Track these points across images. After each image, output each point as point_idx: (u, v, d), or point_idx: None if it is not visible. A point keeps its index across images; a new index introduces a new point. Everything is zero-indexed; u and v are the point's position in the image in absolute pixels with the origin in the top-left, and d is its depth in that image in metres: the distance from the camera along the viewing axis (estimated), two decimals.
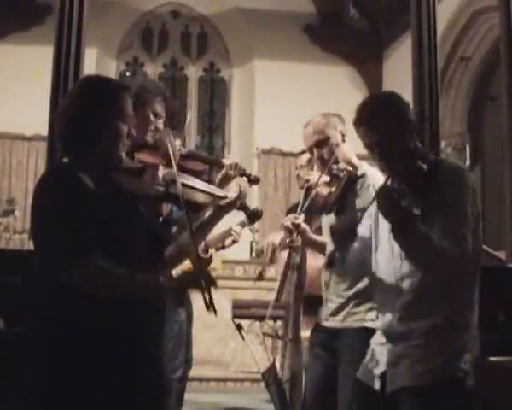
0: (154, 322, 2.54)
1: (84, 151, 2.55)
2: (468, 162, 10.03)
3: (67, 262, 2.33)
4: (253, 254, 10.21)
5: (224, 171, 3.64)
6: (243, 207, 3.08)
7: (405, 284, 2.81)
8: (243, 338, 5.15)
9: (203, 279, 2.41)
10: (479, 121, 10.39)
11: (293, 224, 3.53)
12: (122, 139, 2.60)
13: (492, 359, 3.81)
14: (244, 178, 3.65)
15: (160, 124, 3.64)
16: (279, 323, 5.26)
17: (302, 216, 3.59)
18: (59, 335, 2.38)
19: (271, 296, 3.88)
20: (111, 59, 12.20)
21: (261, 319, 5.76)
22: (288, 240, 3.54)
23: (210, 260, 3.94)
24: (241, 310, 7.05)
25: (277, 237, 4.17)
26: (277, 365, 4.48)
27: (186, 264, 2.47)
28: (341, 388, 3.47)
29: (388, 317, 2.86)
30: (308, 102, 9.35)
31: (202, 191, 2.92)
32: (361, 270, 3.19)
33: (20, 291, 3.47)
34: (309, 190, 3.67)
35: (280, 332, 4.87)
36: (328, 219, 3.66)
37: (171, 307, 3.59)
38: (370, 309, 3.43)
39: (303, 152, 4.75)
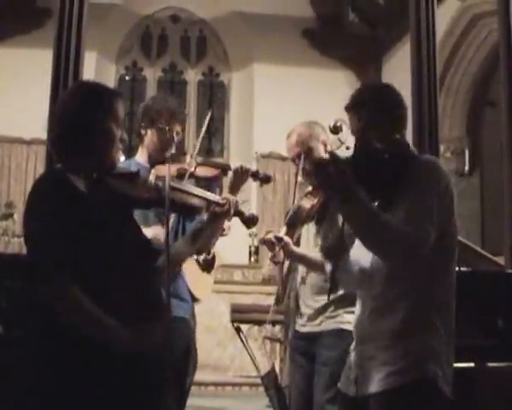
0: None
1: (77, 154, 2.54)
2: (467, 167, 10.04)
3: (47, 276, 2.33)
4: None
5: (232, 175, 3.62)
6: (239, 213, 3.10)
7: (375, 281, 2.74)
8: (242, 341, 5.15)
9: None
10: (478, 126, 10.39)
11: (275, 237, 3.54)
12: (115, 143, 2.60)
13: (492, 364, 3.79)
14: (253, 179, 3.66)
15: (179, 139, 3.72)
16: (278, 327, 5.26)
17: (284, 229, 3.61)
18: (54, 341, 2.38)
19: (270, 301, 3.88)
20: (110, 63, 12.24)
21: (260, 323, 5.78)
22: (270, 254, 3.58)
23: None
24: (240, 314, 6.99)
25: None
26: (277, 369, 4.47)
27: None
28: (315, 386, 3.52)
29: (360, 316, 2.81)
30: (307, 106, 9.29)
31: (197, 196, 2.94)
32: None
33: (18, 295, 3.48)
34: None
35: (279, 336, 4.87)
36: (308, 229, 3.70)
37: (181, 318, 3.61)
38: (348, 312, 3.42)
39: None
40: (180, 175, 3.39)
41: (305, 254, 3.63)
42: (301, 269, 3.77)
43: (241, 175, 3.59)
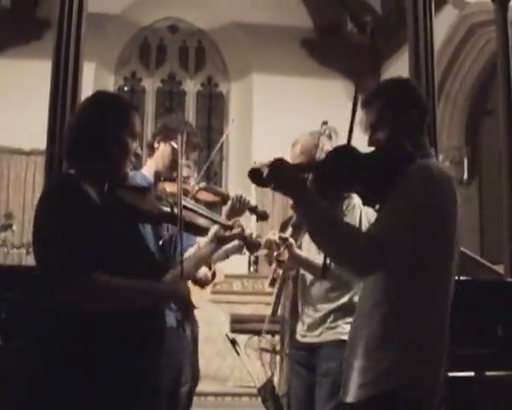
0: (154, 338, 2.52)
1: (91, 162, 2.55)
2: (465, 176, 10.03)
3: (67, 278, 2.31)
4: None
5: (229, 203, 3.64)
6: (243, 238, 3.10)
7: (366, 284, 2.66)
8: (238, 353, 5.14)
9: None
10: (476, 135, 10.40)
11: (280, 238, 3.56)
12: (129, 155, 2.60)
13: (491, 373, 3.75)
14: (250, 212, 3.67)
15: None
16: (277, 337, 5.26)
17: (290, 230, 3.63)
18: (56, 352, 2.38)
19: (269, 311, 3.87)
20: (109, 73, 12.25)
21: (259, 333, 5.72)
22: (275, 253, 3.58)
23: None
24: (240, 325, 7.02)
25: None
26: (275, 380, 4.45)
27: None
28: (317, 398, 3.53)
29: (352, 321, 2.77)
30: (306, 115, 8.81)
31: (205, 216, 2.95)
32: (347, 285, 3.17)
33: (18, 306, 3.47)
34: None
35: (277, 347, 4.85)
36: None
37: (176, 324, 3.65)
38: (348, 323, 3.41)
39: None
40: (184, 195, 3.39)
41: (307, 258, 3.62)
42: (301, 277, 3.77)
43: (239, 206, 3.60)
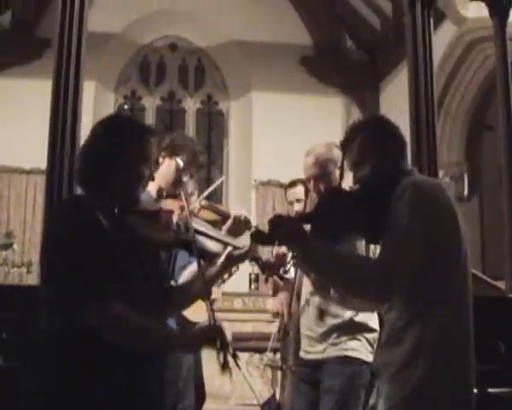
0: (156, 365, 2.49)
1: (102, 189, 2.50)
2: (466, 192, 10.01)
3: (85, 304, 2.28)
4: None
5: (229, 222, 3.57)
6: (255, 259, 3.05)
7: (393, 305, 2.65)
8: (239, 367, 5.19)
9: (219, 336, 2.39)
10: (476, 150, 10.38)
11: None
12: (142, 182, 2.57)
13: (493, 390, 3.73)
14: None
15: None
16: (279, 354, 5.25)
17: None
18: (56, 374, 2.37)
19: (271, 328, 3.84)
20: (109, 92, 12.21)
21: (261, 351, 5.78)
22: (290, 257, 3.39)
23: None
24: (241, 343, 6.98)
25: (286, 295, 4.16)
26: (277, 396, 4.43)
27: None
28: None
29: (378, 343, 2.80)
30: (306, 133, 9.13)
31: (215, 239, 2.89)
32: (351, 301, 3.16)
33: (18, 327, 3.43)
34: None
35: (280, 363, 4.80)
36: None
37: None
38: (352, 339, 3.40)
39: (295, 182, 4.84)
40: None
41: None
42: (304, 291, 3.71)
43: (240, 225, 3.54)
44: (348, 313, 3.50)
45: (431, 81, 5.06)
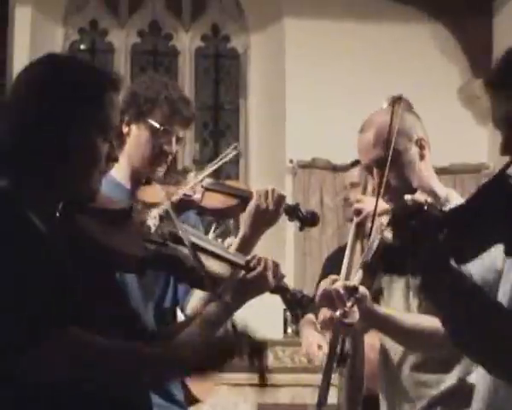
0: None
1: (35, 175, 1.98)
2: None
3: (38, 333, 1.86)
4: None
5: (252, 206, 2.91)
6: (280, 289, 2.40)
7: None
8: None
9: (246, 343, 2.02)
10: None
11: (346, 287, 2.85)
12: (98, 163, 2.02)
13: None
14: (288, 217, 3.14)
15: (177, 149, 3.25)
16: None
17: (360, 274, 2.89)
18: None
19: (313, 397, 3.34)
20: (55, 23, 9.77)
21: None
22: (337, 314, 2.82)
23: None
24: None
25: (319, 337, 4.28)
26: None
27: None
28: None
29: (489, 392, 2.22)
30: (372, 83, 8.09)
31: (218, 257, 2.36)
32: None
33: None
34: (361, 226, 3.11)
35: None
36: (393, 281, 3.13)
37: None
38: None
39: (355, 163, 4.33)
40: (181, 206, 2.92)
41: (391, 316, 2.92)
42: (393, 349, 3.20)
43: (270, 207, 2.91)
44: (452, 379, 2.96)
45: None
